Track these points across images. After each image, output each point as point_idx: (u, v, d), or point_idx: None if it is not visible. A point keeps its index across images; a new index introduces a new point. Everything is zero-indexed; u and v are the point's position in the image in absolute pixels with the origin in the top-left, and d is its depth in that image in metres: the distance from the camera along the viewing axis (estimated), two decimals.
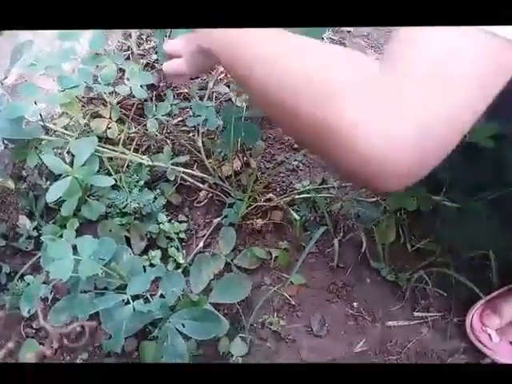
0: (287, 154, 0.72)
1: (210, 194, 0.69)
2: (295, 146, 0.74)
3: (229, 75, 0.74)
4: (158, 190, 0.66)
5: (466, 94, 0.26)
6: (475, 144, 0.45)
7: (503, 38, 0.25)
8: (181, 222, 0.67)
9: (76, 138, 0.60)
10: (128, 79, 0.63)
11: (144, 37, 0.83)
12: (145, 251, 0.64)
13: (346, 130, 0.26)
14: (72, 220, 0.62)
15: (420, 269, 0.62)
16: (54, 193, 0.51)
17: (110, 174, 0.61)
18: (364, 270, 0.65)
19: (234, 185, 0.67)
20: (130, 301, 0.49)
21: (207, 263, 0.62)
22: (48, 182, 0.67)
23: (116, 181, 0.59)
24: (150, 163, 0.64)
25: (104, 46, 0.75)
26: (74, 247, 0.48)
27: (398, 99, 0.26)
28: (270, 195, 0.67)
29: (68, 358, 0.58)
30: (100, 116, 0.69)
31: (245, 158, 0.70)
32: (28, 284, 0.61)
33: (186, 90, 0.76)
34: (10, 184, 0.62)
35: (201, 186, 0.69)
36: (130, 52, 0.80)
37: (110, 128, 0.68)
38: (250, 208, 0.65)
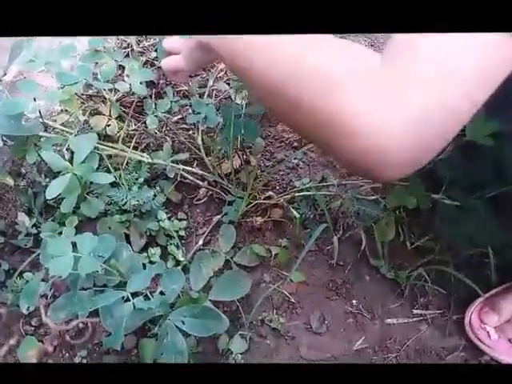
0: (287, 152, 0.72)
1: (210, 192, 0.69)
2: (295, 144, 0.74)
3: (228, 69, 0.74)
4: (157, 188, 0.66)
5: (466, 85, 0.26)
6: (474, 142, 0.45)
7: None
8: (180, 220, 0.67)
9: (75, 135, 0.60)
10: (128, 76, 0.62)
11: None
12: (144, 249, 0.64)
13: (347, 120, 0.26)
14: (71, 217, 0.61)
15: (419, 266, 0.62)
16: (53, 189, 0.51)
17: (109, 172, 0.61)
18: (363, 267, 0.65)
19: (234, 182, 0.67)
20: (130, 298, 0.49)
21: (207, 261, 0.62)
22: (47, 179, 0.67)
23: (115, 178, 0.59)
24: (150, 160, 0.64)
25: (103, 43, 0.74)
26: (74, 244, 0.48)
27: (398, 90, 0.26)
28: (270, 193, 0.67)
29: (67, 355, 0.58)
30: (99, 113, 0.69)
31: (244, 156, 0.70)
32: (27, 281, 0.60)
33: (186, 88, 0.76)
34: (9, 181, 0.61)
35: (200, 183, 0.68)
36: (129, 49, 0.80)
37: (109, 125, 0.67)
38: (249, 206, 0.65)
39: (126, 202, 0.62)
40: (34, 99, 0.56)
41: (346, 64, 0.28)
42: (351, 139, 0.27)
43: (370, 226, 0.63)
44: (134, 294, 0.50)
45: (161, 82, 0.76)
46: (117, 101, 0.71)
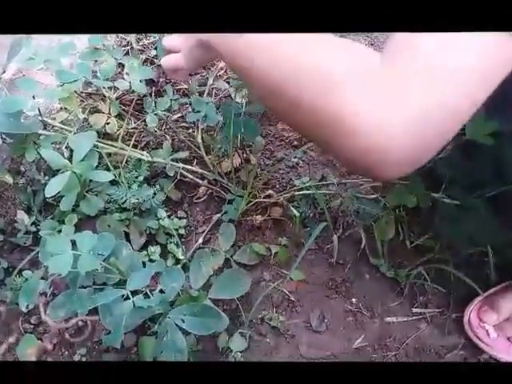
0: (287, 151, 0.72)
1: (210, 190, 0.69)
2: (295, 143, 0.74)
3: (229, 68, 0.74)
4: (157, 186, 0.66)
5: (466, 85, 0.26)
6: (474, 141, 0.45)
7: None
8: (180, 218, 0.67)
9: (75, 133, 0.60)
10: (127, 74, 0.62)
11: None
12: (144, 247, 0.64)
13: (347, 119, 0.26)
14: (71, 215, 0.61)
15: (419, 265, 0.62)
16: (53, 187, 0.51)
17: (108, 170, 0.61)
18: (363, 266, 0.65)
19: (234, 181, 0.67)
20: (130, 296, 0.49)
21: (207, 259, 0.62)
22: (46, 177, 0.67)
23: (115, 176, 0.59)
24: (150, 159, 0.64)
25: (103, 41, 0.74)
26: (73, 242, 0.48)
27: (398, 89, 0.26)
28: (270, 192, 0.67)
29: (66, 353, 0.58)
30: (99, 111, 0.68)
31: (244, 155, 0.70)
32: (26, 279, 0.60)
33: (186, 86, 0.76)
34: (8, 179, 0.61)
35: (200, 182, 0.68)
36: (129, 47, 0.79)
37: (108, 123, 0.67)
38: (249, 204, 0.65)
39: (125, 201, 0.62)
40: (33, 97, 0.56)
41: (346, 63, 0.28)
42: (351, 138, 0.27)
43: (370, 225, 0.63)
44: (134, 293, 0.50)
45: (160, 80, 0.76)
46: (116, 99, 0.71)
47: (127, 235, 0.64)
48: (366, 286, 0.64)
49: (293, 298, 0.63)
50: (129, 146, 0.64)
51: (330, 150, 0.30)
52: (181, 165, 0.66)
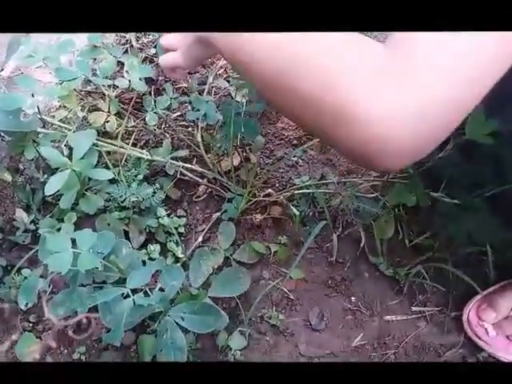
0: (287, 150, 0.72)
1: (209, 189, 0.69)
2: (295, 141, 0.74)
3: (229, 64, 0.74)
4: (156, 185, 0.66)
5: (469, 74, 0.26)
6: (474, 141, 0.45)
7: None
8: (180, 217, 0.67)
9: (74, 131, 0.59)
10: (127, 72, 0.62)
11: None
12: (144, 245, 0.64)
13: (347, 108, 0.26)
14: (70, 214, 0.61)
15: (418, 264, 0.62)
16: (52, 186, 0.51)
17: (108, 168, 0.60)
18: (362, 264, 0.65)
19: (234, 180, 0.67)
20: (130, 294, 0.49)
21: (206, 257, 0.62)
22: (45, 176, 0.66)
23: (115, 175, 0.59)
24: (149, 157, 0.64)
25: (102, 39, 0.74)
26: (73, 241, 0.48)
27: (399, 78, 0.26)
28: (270, 190, 0.67)
29: (66, 351, 0.58)
30: (98, 109, 0.68)
31: (244, 154, 0.70)
32: (25, 277, 0.60)
33: (186, 85, 0.76)
34: (7, 177, 0.61)
35: (200, 180, 0.68)
36: (128, 45, 0.79)
37: (108, 121, 0.67)
38: (249, 203, 0.65)
39: (125, 199, 0.62)
40: (32, 95, 0.56)
41: (346, 53, 0.28)
42: (351, 127, 0.27)
43: (370, 224, 0.63)
44: (134, 291, 0.50)
45: (160, 78, 0.76)
46: (116, 97, 0.71)
47: (127, 234, 0.63)
48: (365, 284, 0.64)
49: (292, 297, 0.63)
50: (128, 144, 0.64)
51: (330, 140, 0.30)
52: (180, 163, 0.66)
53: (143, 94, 0.72)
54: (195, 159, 0.70)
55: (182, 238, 0.66)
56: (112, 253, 0.51)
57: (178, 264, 0.62)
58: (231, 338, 0.59)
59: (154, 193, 0.64)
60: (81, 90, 0.71)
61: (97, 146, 0.59)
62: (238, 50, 0.31)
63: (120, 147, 0.62)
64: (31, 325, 0.59)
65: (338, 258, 0.65)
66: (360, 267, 0.65)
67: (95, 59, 0.70)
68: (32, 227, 0.65)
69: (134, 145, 0.68)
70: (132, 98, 0.72)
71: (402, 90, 0.26)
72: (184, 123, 0.73)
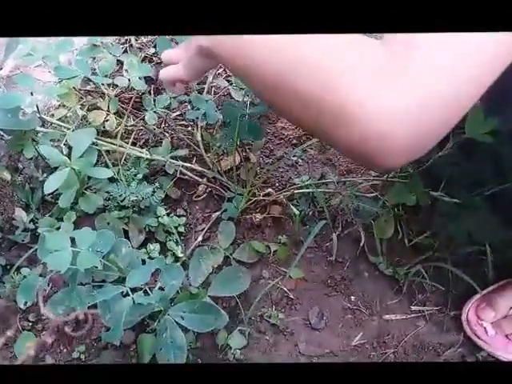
0: (286, 150, 0.72)
1: (209, 189, 0.69)
2: (294, 141, 0.74)
3: (230, 71, 0.74)
4: (156, 184, 0.66)
5: (469, 71, 0.26)
6: (473, 139, 0.46)
7: None
8: (179, 216, 0.67)
9: (73, 130, 0.59)
10: (127, 71, 0.62)
11: None
12: (143, 245, 0.64)
13: (347, 106, 0.26)
14: (69, 213, 0.61)
15: (417, 263, 0.62)
16: (51, 184, 0.51)
17: (107, 167, 0.60)
18: (362, 264, 0.65)
19: (233, 179, 0.67)
20: (130, 293, 0.49)
21: (206, 257, 0.62)
22: (44, 175, 0.66)
23: (114, 174, 0.59)
24: (149, 156, 0.64)
25: (101, 38, 0.74)
26: (72, 240, 0.48)
27: (399, 76, 0.26)
28: (269, 190, 0.67)
29: (65, 350, 0.58)
30: (98, 108, 0.68)
31: (244, 153, 0.70)
32: (24, 276, 0.60)
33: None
34: (6, 176, 0.61)
35: (200, 180, 0.68)
36: (128, 45, 0.79)
37: (107, 120, 0.67)
38: (249, 202, 0.65)
39: (124, 198, 0.62)
40: (32, 93, 0.56)
41: (347, 53, 0.28)
42: (351, 126, 0.27)
43: (369, 223, 0.64)
44: (133, 290, 0.50)
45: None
46: (115, 96, 0.71)
47: (126, 233, 0.63)
48: (364, 283, 0.64)
49: (292, 296, 0.63)
50: (128, 143, 0.64)
51: (329, 140, 0.30)
52: (180, 163, 0.66)
53: (143, 93, 0.72)
54: (195, 158, 0.70)
55: (182, 237, 0.66)
56: (111, 252, 0.51)
57: (178, 263, 0.62)
58: (231, 337, 0.59)
59: (154, 192, 0.64)
60: (80, 89, 0.71)
61: (96, 145, 0.59)
62: (239, 54, 0.31)
63: (119, 146, 0.62)
64: (30, 324, 0.59)
65: (337, 257, 0.65)
66: (360, 266, 0.65)
67: (94, 58, 0.70)
68: (31, 226, 0.64)
69: (134, 144, 0.68)
70: (131, 97, 0.72)
71: (401, 89, 0.26)
72: (184, 122, 0.73)
